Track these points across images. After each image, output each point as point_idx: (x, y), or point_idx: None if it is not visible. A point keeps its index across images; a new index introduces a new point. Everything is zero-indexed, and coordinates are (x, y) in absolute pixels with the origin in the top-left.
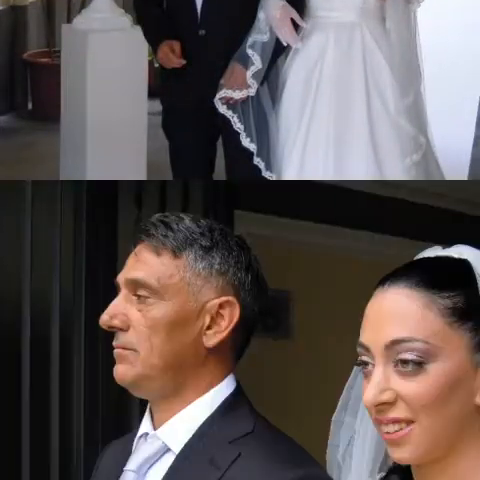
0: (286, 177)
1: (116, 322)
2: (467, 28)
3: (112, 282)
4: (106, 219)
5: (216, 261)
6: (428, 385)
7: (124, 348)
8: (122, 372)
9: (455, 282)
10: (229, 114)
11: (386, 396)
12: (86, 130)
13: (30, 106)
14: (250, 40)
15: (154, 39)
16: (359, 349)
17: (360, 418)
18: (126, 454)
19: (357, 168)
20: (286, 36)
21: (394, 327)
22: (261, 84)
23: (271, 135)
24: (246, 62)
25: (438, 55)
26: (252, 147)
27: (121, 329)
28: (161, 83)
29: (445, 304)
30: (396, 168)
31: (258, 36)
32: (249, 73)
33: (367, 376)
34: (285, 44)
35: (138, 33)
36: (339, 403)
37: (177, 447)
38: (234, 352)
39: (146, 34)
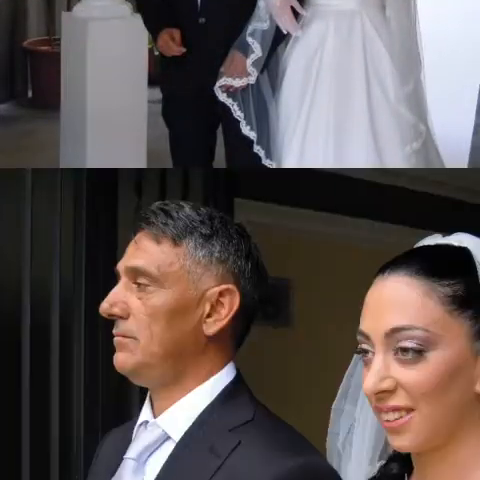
0: (286, 165)
1: (116, 310)
2: (467, 16)
3: (112, 270)
4: (106, 207)
5: (216, 249)
6: (428, 373)
7: (124, 336)
8: (122, 360)
9: (455, 270)
10: (229, 102)
11: (386, 384)
12: (86, 118)
13: (30, 94)
14: (250, 28)
15: (154, 27)
16: (359, 337)
17: (360, 406)
18: (126, 442)
19: (357, 156)
20: (286, 24)
21: (394, 315)
22: (261, 72)
23: (271, 123)
24: (246, 50)
25: (438, 43)
26: (252, 135)
27: (121, 317)
28: (161, 71)
29: (445, 292)
30: (396, 156)
31: (258, 24)
32: (249, 61)
33: (367, 364)
34: (285, 32)
35: (138, 21)
36: (339, 391)
37: (177, 435)
38: (234, 340)
39: (146, 22)
